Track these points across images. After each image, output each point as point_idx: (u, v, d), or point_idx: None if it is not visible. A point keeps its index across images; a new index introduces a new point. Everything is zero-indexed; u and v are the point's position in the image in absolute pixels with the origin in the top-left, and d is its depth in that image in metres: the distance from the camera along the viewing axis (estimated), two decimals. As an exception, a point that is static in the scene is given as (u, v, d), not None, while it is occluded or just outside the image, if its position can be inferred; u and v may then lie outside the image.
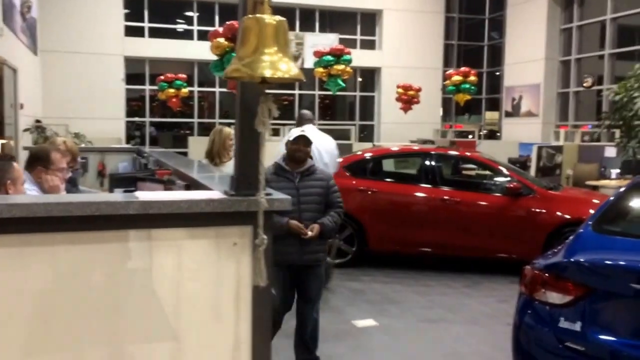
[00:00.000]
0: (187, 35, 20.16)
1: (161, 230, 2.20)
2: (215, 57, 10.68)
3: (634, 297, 2.95)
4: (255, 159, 2.28)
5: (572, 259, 3.33)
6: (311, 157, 4.59)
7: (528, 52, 19.70)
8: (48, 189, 3.68)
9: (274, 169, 4.39)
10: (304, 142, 4.38)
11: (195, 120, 20.61)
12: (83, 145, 12.34)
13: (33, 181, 3.67)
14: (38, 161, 3.79)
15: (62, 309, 2.09)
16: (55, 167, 3.77)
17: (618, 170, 11.35)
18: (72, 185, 4.96)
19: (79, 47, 17.78)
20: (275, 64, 1.95)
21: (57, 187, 3.72)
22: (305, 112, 6.55)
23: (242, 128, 2.29)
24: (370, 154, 8.68)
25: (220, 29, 10.54)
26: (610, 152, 11.73)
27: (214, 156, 5.33)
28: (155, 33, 19.56)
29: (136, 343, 2.19)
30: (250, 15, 1.99)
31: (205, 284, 2.26)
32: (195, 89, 20.10)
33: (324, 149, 6.11)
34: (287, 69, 1.97)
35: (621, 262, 3.16)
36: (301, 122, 6.29)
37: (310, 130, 5.43)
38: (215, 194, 2.33)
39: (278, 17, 1.99)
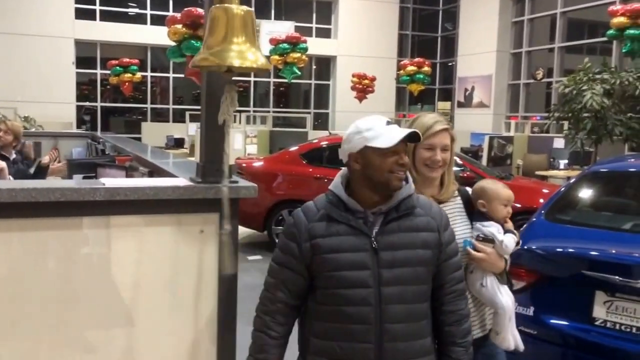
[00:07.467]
0: (140, 19, 19.79)
1: (126, 217, 2.19)
2: (171, 43, 10.54)
3: (583, 283, 3.08)
4: (221, 146, 2.29)
5: (525, 247, 3.43)
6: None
7: (480, 44, 20.05)
8: None
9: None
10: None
11: (149, 105, 20.31)
12: (34, 129, 12.05)
13: None
14: None
15: (19, 295, 2.07)
16: None
17: (566, 161, 11.67)
18: (28, 166, 4.87)
19: (27, 29, 17.27)
20: (244, 54, 1.97)
21: None
22: None
23: (208, 116, 2.30)
24: (326, 142, 8.71)
25: (178, 15, 10.39)
26: (559, 143, 12.03)
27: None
28: (107, 16, 19.14)
29: (94, 329, 2.18)
30: (218, 5, 2.00)
31: (170, 271, 2.25)
32: (149, 74, 19.79)
33: None
34: (255, 58, 1.99)
35: (572, 250, 3.28)
36: None
37: None
38: (181, 181, 2.32)
39: (245, 7, 2.00)
